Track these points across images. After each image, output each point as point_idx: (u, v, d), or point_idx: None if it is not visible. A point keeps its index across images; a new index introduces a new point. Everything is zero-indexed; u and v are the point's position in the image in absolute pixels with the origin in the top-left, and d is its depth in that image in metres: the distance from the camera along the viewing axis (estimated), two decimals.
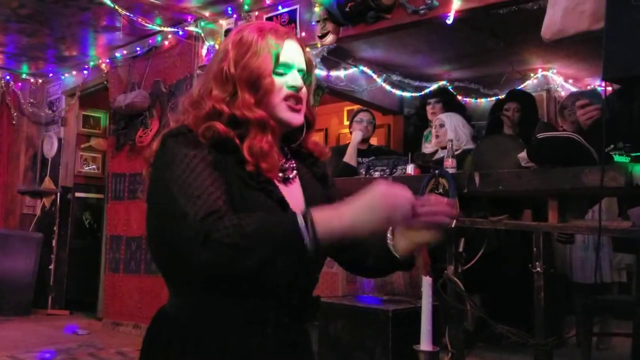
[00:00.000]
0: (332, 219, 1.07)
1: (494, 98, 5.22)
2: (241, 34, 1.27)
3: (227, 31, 4.41)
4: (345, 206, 1.09)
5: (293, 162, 1.32)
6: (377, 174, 3.55)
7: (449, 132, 3.70)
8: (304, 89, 1.28)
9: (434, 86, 5.50)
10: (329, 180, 1.40)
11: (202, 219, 1.04)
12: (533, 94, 5.58)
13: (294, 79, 1.26)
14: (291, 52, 1.27)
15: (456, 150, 3.46)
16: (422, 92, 5.41)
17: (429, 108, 4.44)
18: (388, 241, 1.26)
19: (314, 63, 1.37)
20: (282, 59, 1.25)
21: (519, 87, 5.38)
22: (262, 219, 1.07)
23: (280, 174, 1.26)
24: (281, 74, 1.25)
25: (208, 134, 1.17)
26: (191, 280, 1.16)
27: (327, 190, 1.39)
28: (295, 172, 1.31)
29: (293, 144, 1.32)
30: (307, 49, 1.34)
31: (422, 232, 1.21)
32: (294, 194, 1.27)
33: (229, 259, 1.03)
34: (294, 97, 1.25)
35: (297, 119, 1.27)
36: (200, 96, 1.24)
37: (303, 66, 1.29)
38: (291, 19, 4.09)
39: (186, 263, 1.08)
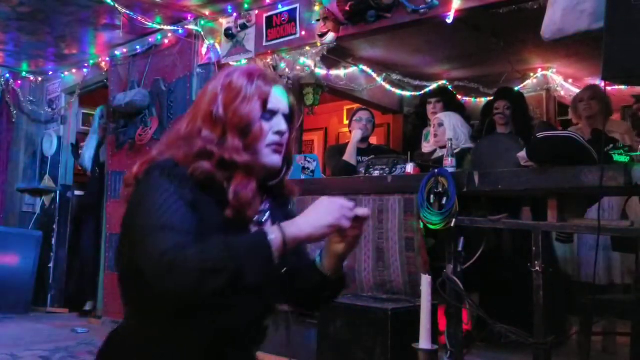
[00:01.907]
0: (291, 227, 1.18)
1: (492, 98, 5.22)
2: (231, 77, 1.33)
3: (227, 30, 4.41)
4: (299, 218, 1.21)
5: (267, 203, 1.38)
6: (376, 173, 3.56)
7: (447, 131, 3.70)
8: (287, 134, 1.35)
9: (434, 85, 5.51)
10: None
11: (168, 250, 1.09)
12: (533, 93, 5.61)
13: (279, 124, 1.33)
14: (278, 98, 1.34)
15: (455, 149, 3.46)
16: (422, 92, 5.40)
17: (429, 107, 4.43)
18: (317, 261, 1.37)
19: (296, 108, 1.44)
20: (269, 105, 1.32)
21: (518, 87, 5.38)
22: (226, 239, 1.13)
23: (255, 217, 1.33)
24: (268, 119, 1.32)
25: (198, 174, 1.22)
26: (156, 307, 1.19)
27: None
28: (268, 213, 1.37)
29: (270, 181, 1.38)
30: (291, 97, 1.41)
31: (340, 244, 1.33)
32: None
33: (195, 283, 1.07)
34: (277, 143, 1.32)
35: (278, 161, 1.34)
36: (189, 133, 1.30)
37: (287, 111, 1.37)
38: (291, 17, 4.08)
39: (154, 292, 1.12)
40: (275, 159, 1.33)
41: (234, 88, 1.30)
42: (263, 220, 1.35)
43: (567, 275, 3.85)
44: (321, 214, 1.21)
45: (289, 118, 1.38)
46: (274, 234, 1.15)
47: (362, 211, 1.29)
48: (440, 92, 4.73)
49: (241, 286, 1.10)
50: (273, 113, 1.33)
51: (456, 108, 4.32)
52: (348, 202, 1.25)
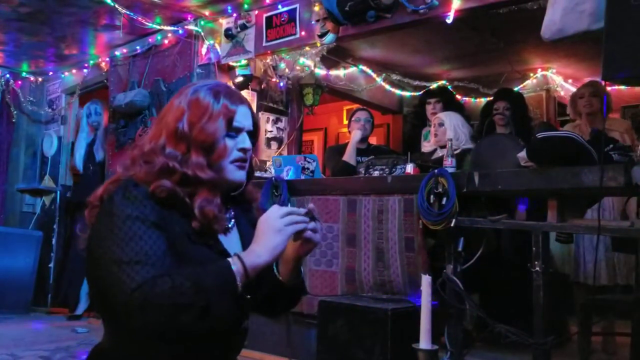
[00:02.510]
0: (250, 256, 1.21)
1: (491, 98, 5.23)
2: (197, 94, 1.34)
3: (227, 30, 4.41)
4: (255, 245, 1.24)
5: (232, 211, 1.41)
6: (376, 173, 3.56)
7: (448, 131, 3.70)
8: (250, 151, 1.38)
9: (433, 85, 5.51)
10: None
11: (137, 288, 1.10)
12: (532, 93, 5.62)
13: (243, 141, 1.35)
14: (243, 116, 1.36)
15: (455, 149, 3.46)
16: (422, 91, 5.40)
17: (429, 107, 4.42)
18: (273, 267, 1.37)
19: (259, 125, 1.48)
20: (234, 123, 1.34)
21: (518, 87, 5.39)
22: (193, 273, 1.15)
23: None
24: (232, 137, 1.34)
25: (159, 193, 1.23)
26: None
27: None
28: (233, 220, 1.40)
29: (233, 192, 1.40)
30: (254, 113, 1.44)
31: (294, 246, 1.34)
32: (232, 243, 1.37)
33: (166, 321, 1.10)
34: (241, 159, 1.35)
35: (242, 177, 1.37)
36: (152, 150, 1.30)
37: (251, 128, 1.39)
38: (291, 17, 4.09)
39: (126, 325, 1.15)
40: (239, 175, 1.35)
41: (200, 106, 1.31)
42: (229, 226, 1.38)
43: (564, 275, 3.86)
44: (270, 236, 1.23)
45: (253, 134, 1.40)
46: (235, 265, 1.18)
47: (309, 206, 1.31)
48: (440, 92, 4.72)
49: (209, 319, 1.13)
50: (238, 130, 1.35)
51: (456, 108, 4.31)
52: (288, 209, 1.27)
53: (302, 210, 1.29)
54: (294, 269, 1.37)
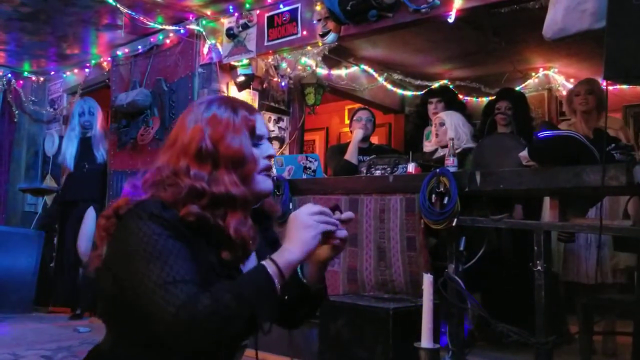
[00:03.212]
0: (283, 257, 1.19)
1: (493, 97, 5.23)
2: (212, 110, 1.30)
3: (229, 30, 4.41)
4: (286, 244, 1.22)
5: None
6: (378, 173, 3.56)
7: (449, 130, 3.70)
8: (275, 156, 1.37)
9: (435, 84, 5.51)
10: (279, 243, 1.46)
11: (181, 307, 1.07)
12: (534, 93, 5.61)
13: (267, 148, 1.34)
14: (262, 123, 1.35)
15: (457, 149, 3.46)
16: (424, 91, 5.40)
17: (430, 107, 4.42)
18: (298, 271, 1.34)
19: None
20: (257, 132, 1.32)
21: (520, 87, 5.39)
22: (231, 285, 1.13)
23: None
24: (258, 146, 1.32)
25: (188, 217, 1.19)
26: (136, 332, 1.19)
27: None
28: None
29: (253, 205, 1.36)
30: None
31: (322, 249, 1.30)
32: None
33: (214, 335, 1.09)
34: (269, 167, 1.34)
35: (271, 186, 1.35)
36: (174, 173, 1.24)
37: (269, 134, 1.38)
38: (292, 17, 4.09)
39: (171, 346, 1.12)
40: (268, 184, 1.34)
41: (220, 121, 1.28)
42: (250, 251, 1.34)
43: (554, 273, 3.85)
44: (302, 232, 1.21)
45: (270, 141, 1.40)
46: (270, 267, 1.16)
47: (345, 215, 1.29)
48: (442, 92, 4.73)
49: (255, 327, 1.13)
50: (260, 138, 1.33)
51: (457, 107, 4.31)
52: (320, 207, 1.25)
53: (347, 215, 1.29)
54: (319, 271, 1.35)
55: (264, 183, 1.32)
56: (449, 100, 4.50)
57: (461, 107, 4.52)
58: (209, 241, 1.22)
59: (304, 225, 1.21)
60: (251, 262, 1.33)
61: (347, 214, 1.30)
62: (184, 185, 1.21)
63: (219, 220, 1.22)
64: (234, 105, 1.32)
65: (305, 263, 1.32)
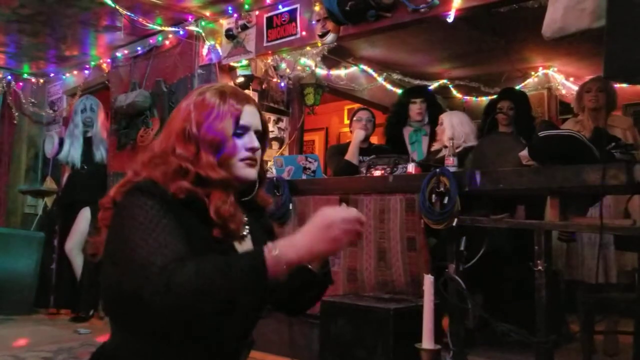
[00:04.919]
0: (289, 251, 1.13)
1: (495, 97, 5.22)
2: (203, 95, 1.35)
3: (228, 31, 4.41)
4: (298, 236, 1.16)
5: (245, 217, 1.37)
6: (377, 173, 3.55)
7: (446, 130, 3.71)
8: (259, 150, 1.37)
9: (435, 84, 5.51)
10: (275, 232, 1.50)
11: (163, 267, 1.08)
12: (534, 92, 5.61)
13: (251, 140, 1.34)
14: (249, 115, 1.35)
15: (457, 148, 3.46)
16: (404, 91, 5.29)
17: (414, 107, 4.38)
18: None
19: (267, 125, 1.45)
20: (241, 122, 1.33)
21: (519, 86, 5.39)
22: (221, 261, 1.12)
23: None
24: (240, 136, 1.33)
25: (179, 194, 1.22)
26: (146, 327, 1.19)
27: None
28: (247, 227, 1.37)
29: (245, 197, 1.38)
30: (263, 114, 1.43)
31: None
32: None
33: (191, 304, 1.07)
34: (250, 158, 1.33)
35: (253, 174, 1.35)
36: (163, 152, 1.30)
37: (259, 127, 1.38)
38: (291, 17, 4.08)
39: (147, 310, 1.09)
40: (249, 172, 1.34)
41: (206, 105, 1.32)
42: (245, 234, 1.36)
43: (555, 272, 3.84)
44: (323, 237, 1.15)
45: (262, 136, 1.39)
46: (273, 251, 1.12)
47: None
48: (424, 91, 4.69)
49: (234, 310, 1.11)
50: (245, 129, 1.34)
51: (438, 108, 4.33)
52: (358, 214, 1.19)
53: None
54: (324, 257, 1.34)
55: (243, 170, 1.33)
56: (431, 100, 4.50)
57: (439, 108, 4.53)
58: (200, 218, 1.24)
59: (329, 232, 1.15)
60: (247, 245, 1.35)
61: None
62: (171, 164, 1.26)
63: (205, 199, 1.26)
64: (225, 93, 1.35)
65: None
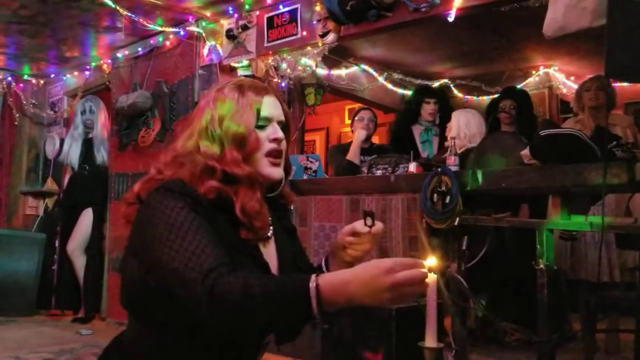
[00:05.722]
0: (338, 291, 1.03)
1: (496, 96, 5.22)
2: (222, 91, 1.33)
3: (228, 31, 4.41)
4: (352, 278, 1.03)
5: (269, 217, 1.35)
6: (379, 172, 3.55)
7: (453, 129, 3.70)
8: (284, 141, 1.33)
9: (435, 83, 5.50)
10: (296, 233, 1.49)
11: (206, 276, 1.04)
12: (535, 91, 5.61)
13: (274, 131, 1.31)
14: (270, 105, 1.32)
15: (461, 148, 3.45)
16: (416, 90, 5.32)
17: (428, 107, 4.40)
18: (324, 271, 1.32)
19: (290, 116, 1.42)
20: (262, 113, 1.30)
21: (520, 85, 5.39)
22: (267, 281, 1.06)
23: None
24: (262, 127, 1.30)
25: (210, 194, 1.20)
26: (172, 324, 1.18)
27: (294, 244, 1.47)
28: (272, 227, 1.35)
29: (270, 193, 1.36)
30: (285, 104, 1.39)
31: (351, 253, 1.35)
32: (270, 254, 1.32)
33: (233, 319, 1.04)
34: (275, 150, 1.30)
35: (278, 173, 1.33)
36: (187, 151, 1.28)
37: (282, 118, 1.35)
38: (292, 18, 4.08)
39: (188, 316, 1.08)
40: (274, 171, 1.31)
41: (225, 101, 1.30)
42: (269, 235, 1.33)
43: (556, 271, 3.84)
44: (379, 293, 1.02)
45: (285, 126, 1.36)
46: (312, 285, 1.02)
47: (375, 228, 1.34)
48: (439, 92, 4.72)
49: (272, 332, 1.10)
50: (268, 120, 1.31)
51: (449, 109, 4.32)
52: (419, 274, 1.05)
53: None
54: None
55: (267, 169, 1.30)
56: (444, 101, 4.51)
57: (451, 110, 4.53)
58: (227, 219, 1.22)
59: (386, 294, 1.02)
60: (271, 248, 1.33)
61: (379, 226, 1.32)
62: (197, 163, 1.24)
63: (234, 197, 1.23)
64: (243, 86, 1.33)
65: (331, 262, 1.35)
